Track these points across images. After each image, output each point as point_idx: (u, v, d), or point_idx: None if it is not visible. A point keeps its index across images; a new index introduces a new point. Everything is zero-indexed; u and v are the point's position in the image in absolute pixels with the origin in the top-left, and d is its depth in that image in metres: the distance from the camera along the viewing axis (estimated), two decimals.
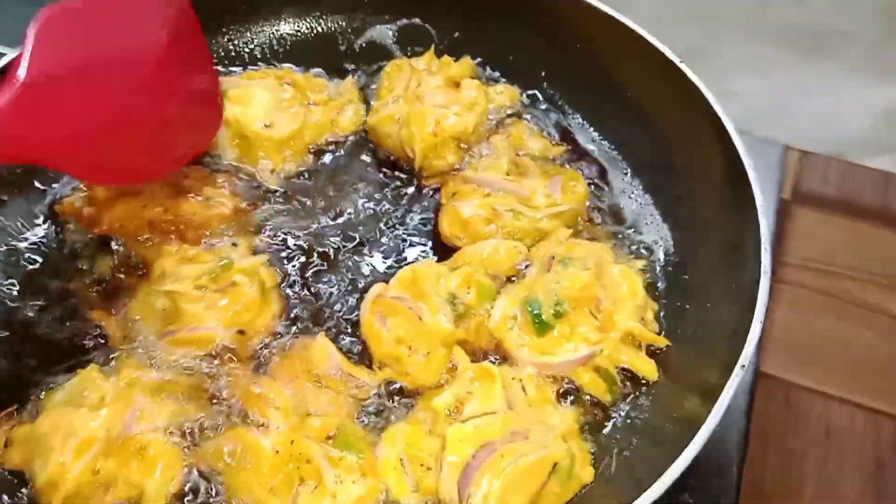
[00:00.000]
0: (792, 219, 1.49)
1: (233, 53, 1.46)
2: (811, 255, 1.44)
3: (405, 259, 1.20)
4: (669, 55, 1.17)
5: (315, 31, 1.49)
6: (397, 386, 1.05)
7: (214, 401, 1.02)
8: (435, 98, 1.28)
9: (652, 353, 1.07)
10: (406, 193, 1.29)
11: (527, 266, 1.16)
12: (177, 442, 0.98)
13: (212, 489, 0.97)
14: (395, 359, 1.04)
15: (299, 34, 1.49)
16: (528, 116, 1.36)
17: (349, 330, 1.11)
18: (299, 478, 0.94)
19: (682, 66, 1.16)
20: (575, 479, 0.93)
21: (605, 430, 1.03)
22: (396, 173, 1.31)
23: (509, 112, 1.35)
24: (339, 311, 1.14)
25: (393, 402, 1.04)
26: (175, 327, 1.06)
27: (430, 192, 1.29)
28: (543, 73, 1.38)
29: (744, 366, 0.89)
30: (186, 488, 0.97)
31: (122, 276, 1.15)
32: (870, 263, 1.42)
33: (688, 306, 1.11)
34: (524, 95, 1.39)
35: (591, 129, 1.36)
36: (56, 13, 0.96)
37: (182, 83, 1.12)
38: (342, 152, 1.34)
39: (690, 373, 1.02)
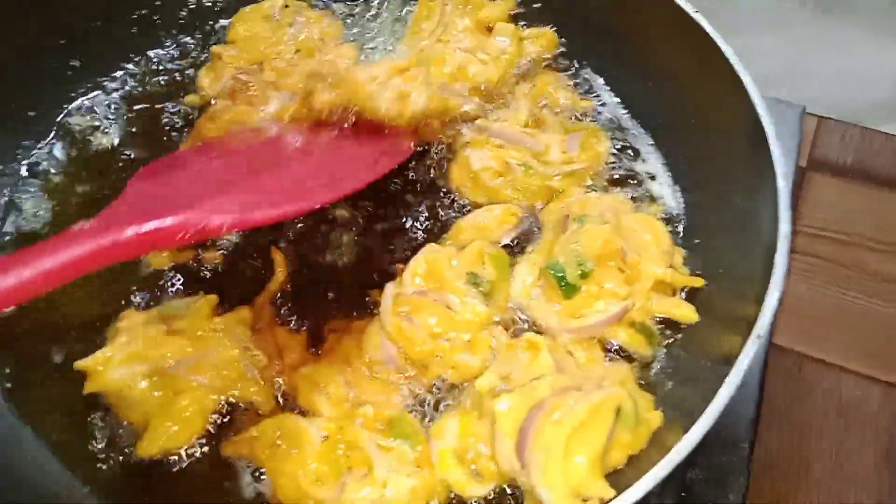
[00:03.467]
0: (807, 186, 1.50)
1: None
2: (826, 223, 1.51)
3: None
4: (685, 6, 1.22)
5: None
6: (444, 379, 1.10)
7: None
8: (461, 42, 1.34)
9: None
10: None
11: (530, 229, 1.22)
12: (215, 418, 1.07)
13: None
14: (436, 354, 1.09)
15: None
16: None
17: None
18: (347, 466, 1.00)
19: (699, 19, 1.22)
20: (644, 425, 0.99)
21: (650, 379, 1.11)
22: None
23: (542, 60, 1.41)
24: None
25: (441, 393, 1.10)
26: None
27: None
28: (554, 28, 1.44)
29: (760, 336, 0.94)
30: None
31: None
32: (887, 233, 1.48)
33: (698, 272, 1.18)
34: None
35: (605, 87, 1.44)
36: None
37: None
38: None
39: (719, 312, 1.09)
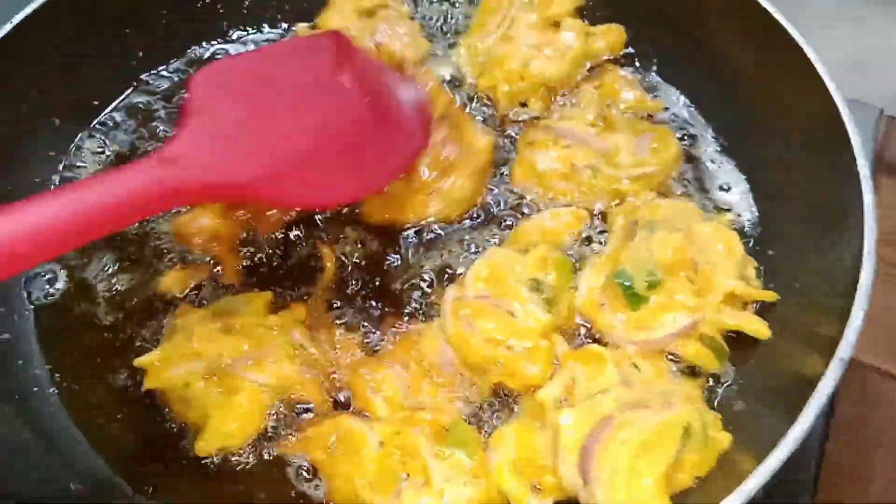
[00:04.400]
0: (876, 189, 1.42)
1: None
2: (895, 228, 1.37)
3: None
4: (762, 2, 1.20)
5: None
6: (502, 387, 1.08)
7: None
8: (527, 38, 1.30)
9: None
10: None
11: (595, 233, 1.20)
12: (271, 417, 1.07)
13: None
14: (496, 361, 1.06)
15: None
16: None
17: None
18: (404, 472, 0.98)
19: (778, 16, 1.18)
20: (712, 445, 0.97)
21: (716, 396, 1.08)
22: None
23: (607, 57, 1.37)
24: None
25: (500, 403, 1.08)
26: None
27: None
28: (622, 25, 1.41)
29: (843, 359, 0.91)
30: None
31: None
32: None
33: (771, 286, 1.13)
34: None
35: (673, 86, 1.39)
36: (214, 65, 1.13)
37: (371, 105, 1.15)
38: None
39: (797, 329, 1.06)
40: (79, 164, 1.33)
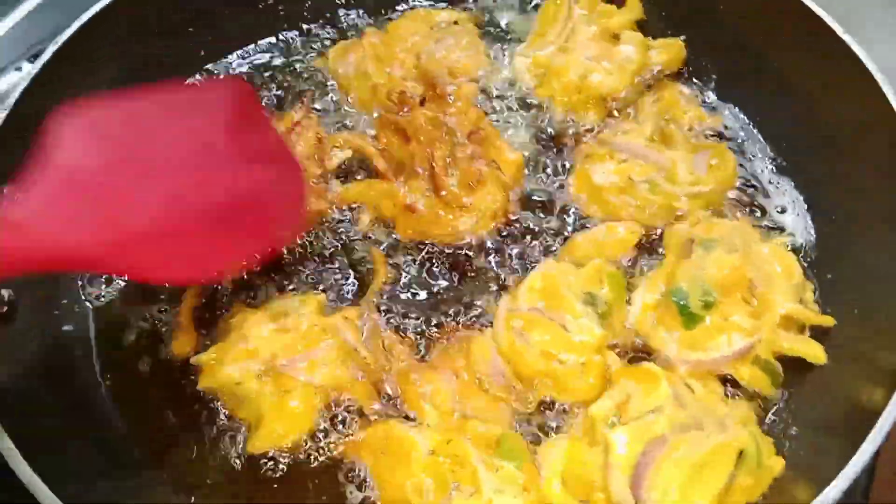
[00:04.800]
0: None
1: None
2: None
3: None
4: (831, 24, 1.18)
5: None
6: (553, 400, 1.08)
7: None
8: (586, 50, 1.30)
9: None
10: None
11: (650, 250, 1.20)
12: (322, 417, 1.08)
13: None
14: (547, 374, 1.07)
15: None
16: None
17: None
18: (454, 480, 0.98)
19: (846, 37, 1.16)
20: (766, 470, 0.97)
21: (767, 420, 1.07)
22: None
23: (667, 72, 1.37)
24: None
25: (549, 414, 1.08)
26: None
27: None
28: (682, 38, 1.39)
29: None
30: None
31: None
32: None
33: (828, 310, 1.12)
34: None
35: (730, 104, 1.38)
36: (81, 105, 0.98)
37: (242, 169, 1.11)
38: None
39: (855, 356, 1.06)
40: None
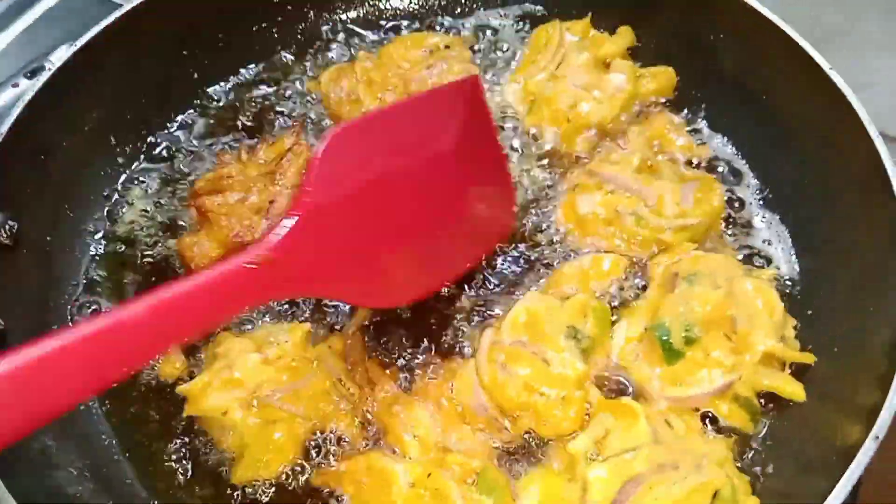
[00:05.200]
0: None
1: None
2: None
3: None
4: (820, 61, 1.19)
5: None
6: (533, 434, 1.09)
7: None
8: (577, 78, 1.31)
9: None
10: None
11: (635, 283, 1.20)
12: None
13: None
14: (528, 407, 1.07)
15: None
16: None
17: None
18: None
19: (833, 76, 1.17)
20: None
21: (745, 456, 1.08)
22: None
23: (658, 101, 1.38)
24: None
25: (530, 449, 1.08)
26: None
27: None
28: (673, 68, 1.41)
29: (878, 437, 0.90)
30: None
31: None
32: None
33: (809, 346, 1.12)
34: None
35: (719, 135, 1.38)
36: (341, 132, 1.02)
37: (473, 183, 1.17)
38: None
39: (836, 394, 1.06)
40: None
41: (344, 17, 1.55)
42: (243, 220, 1.20)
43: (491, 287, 1.22)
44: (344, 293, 1.05)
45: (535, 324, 1.10)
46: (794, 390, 1.07)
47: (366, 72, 1.37)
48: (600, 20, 1.40)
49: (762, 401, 1.08)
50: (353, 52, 1.50)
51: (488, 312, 1.19)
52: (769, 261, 1.23)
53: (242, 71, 1.49)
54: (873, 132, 1.11)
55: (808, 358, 1.09)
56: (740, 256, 1.23)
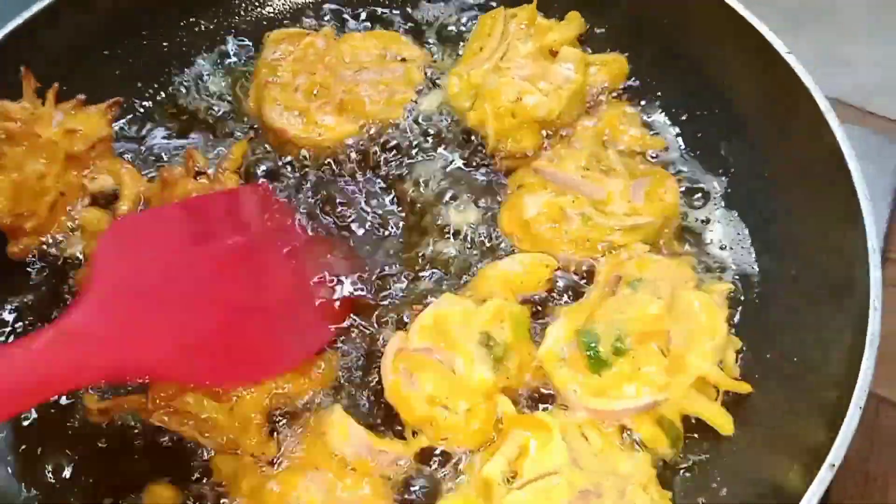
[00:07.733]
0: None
1: None
2: None
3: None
4: (775, 44, 1.12)
5: None
6: (439, 451, 1.01)
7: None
8: (522, 69, 1.21)
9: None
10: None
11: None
12: None
13: None
14: (430, 422, 1.00)
15: None
16: None
17: (365, 393, 1.07)
18: None
19: (791, 60, 1.10)
20: None
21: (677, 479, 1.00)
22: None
23: (610, 91, 1.28)
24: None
25: (435, 468, 1.00)
26: None
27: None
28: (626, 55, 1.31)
29: (833, 465, 0.84)
30: None
31: None
32: None
33: (768, 355, 1.05)
34: None
35: (676, 126, 1.28)
36: (124, 223, 1.09)
37: (280, 281, 1.13)
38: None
39: (777, 426, 0.99)
40: None
41: None
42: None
43: (404, 295, 1.14)
44: (163, 372, 0.98)
45: (445, 329, 1.02)
46: (722, 422, 0.99)
47: (310, 45, 1.30)
48: (549, 6, 1.29)
49: (697, 427, 1.00)
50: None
51: (402, 320, 1.10)
52: (725, 266, 1.13)
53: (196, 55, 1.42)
54: (832, 120, 1.04)
55: (744, 387, 1.01)
56: (695, 258, 1.13)
